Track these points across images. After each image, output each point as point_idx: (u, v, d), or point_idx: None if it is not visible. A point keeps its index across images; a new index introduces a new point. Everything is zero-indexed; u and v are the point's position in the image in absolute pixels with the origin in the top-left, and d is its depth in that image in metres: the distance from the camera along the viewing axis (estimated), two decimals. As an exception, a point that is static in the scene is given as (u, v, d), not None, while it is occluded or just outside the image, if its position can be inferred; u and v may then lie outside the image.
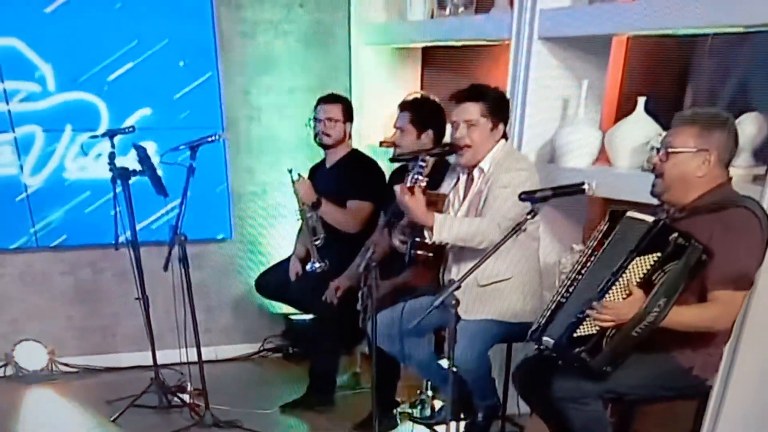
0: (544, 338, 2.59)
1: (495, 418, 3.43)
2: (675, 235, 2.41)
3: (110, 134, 3.79)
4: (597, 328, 2.47)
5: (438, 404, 3.78)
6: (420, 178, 2.99)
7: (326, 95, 4.15)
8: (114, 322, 4.64)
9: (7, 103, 4.16)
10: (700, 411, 2.66)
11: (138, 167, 3.81)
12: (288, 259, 4.28)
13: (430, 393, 3.78)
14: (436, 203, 3.18)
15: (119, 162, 3.79)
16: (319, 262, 3.82)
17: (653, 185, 2.59)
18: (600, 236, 2.61)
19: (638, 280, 2.43)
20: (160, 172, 3.87)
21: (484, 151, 3.15)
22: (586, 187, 2.60)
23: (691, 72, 3.22)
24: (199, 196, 3.92)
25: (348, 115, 4.10)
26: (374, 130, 4.59)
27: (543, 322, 2.62)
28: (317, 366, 4.08)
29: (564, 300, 2.60)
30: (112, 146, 3.76)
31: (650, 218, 2.50)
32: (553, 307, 2.62)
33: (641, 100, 3.10)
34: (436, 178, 3.34)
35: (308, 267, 3.88)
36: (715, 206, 2.47)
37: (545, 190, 2.64)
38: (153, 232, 4.35)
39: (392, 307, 3.29)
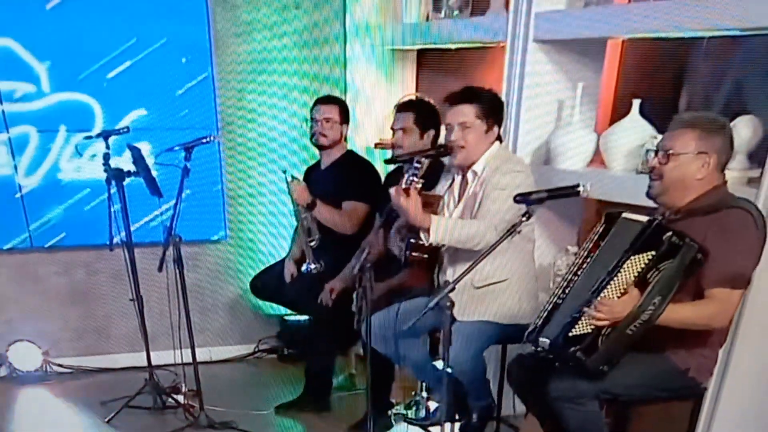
0: (541, 339, 2.60)
1: (490, 419, 3.43)
2: (669, 234, 2.42)
3: (105, 135, 3.78)
4: (592, 327, 2.49)
5: (433, 405, 3.77)
6: (415, 179, 2.99)
7: (324, 96, 4.17)
8: (108, 323, 4.63)
9: (1, 103, 4.14)
10: (696, 412, 2.67)
11: (132, 168, 3.80)
12: (283, 261, 4.28)
13: (424, 394, 3.77)
14: (431, 204, 3.18)
15: (114, 163, 3.78)
16: (315, 264, 3.81)
17: (650, 187, 2.60)
18: (596, 238, 2.63)
19: (633, 278, 2.45)
20: (154, 173, 3.85)
21: (478, 152, 3.15)
22: (581, 189, 2.59)
23: (686, 75, 3.23)
24: (194, 197, 3.91)
25: (345, 117, 4.11)
26: (369, 132, 4.60)
27: (539, 323, 2.63)
28: (312, 367, 4.08)
29: (560, 301, 2.61)
30: (107, 147, 3.75)
31: (646, 219, 2.51)
32: (549, 308, 2.63)
33: (636, 103, 3.11)
34: (431, 179, 3.34)
35: (303, 268, 3.87)
36: (711, 208, 2.49)
37: (540, 192, 2.64)
38: (148, 232, 4.33)
39: (387, 309, 3.28)
